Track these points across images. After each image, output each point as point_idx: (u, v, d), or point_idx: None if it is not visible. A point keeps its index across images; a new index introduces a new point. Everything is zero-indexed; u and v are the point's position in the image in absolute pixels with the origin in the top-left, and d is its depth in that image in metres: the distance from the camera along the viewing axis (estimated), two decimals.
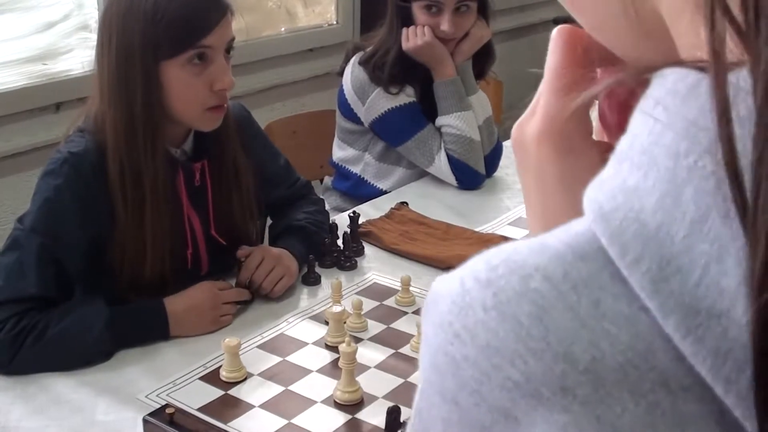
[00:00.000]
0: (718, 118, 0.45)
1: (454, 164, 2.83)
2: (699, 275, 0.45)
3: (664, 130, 0.47)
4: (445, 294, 0.51)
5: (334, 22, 4.50)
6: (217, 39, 1.92)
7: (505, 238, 2.37)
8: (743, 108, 0.45)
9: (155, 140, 1.91)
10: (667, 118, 0.48)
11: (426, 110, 2.88)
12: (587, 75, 0.62)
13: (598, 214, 0.48)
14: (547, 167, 0.57)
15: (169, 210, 1.97)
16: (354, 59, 2.90)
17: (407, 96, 2.85)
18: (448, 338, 0.50)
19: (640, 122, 0.49)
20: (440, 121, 2.86)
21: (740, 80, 0.45)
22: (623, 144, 0.50)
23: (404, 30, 2.80)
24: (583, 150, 0.61)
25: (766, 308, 0.43)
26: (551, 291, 0.48)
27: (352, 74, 2.89)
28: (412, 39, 2.78)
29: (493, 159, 2.99)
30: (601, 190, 0.49)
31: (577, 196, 0.54)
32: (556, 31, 0.64)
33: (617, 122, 0.60)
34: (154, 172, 1.91)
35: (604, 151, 0.58)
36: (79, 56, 3.35)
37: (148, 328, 1.89)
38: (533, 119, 0.63)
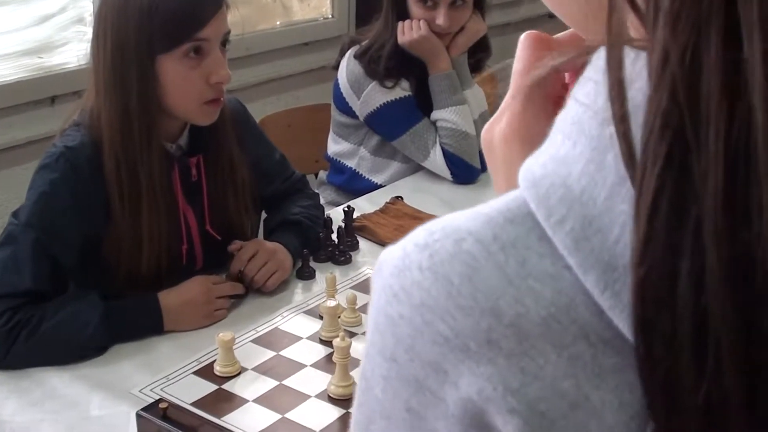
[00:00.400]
0: (612, 93, 0.48)
1: (449, 158, 2.83)
2: (617, 233, 0.48)
3: (593, 102, 0.50)
4: (389, 260, 0.55)
5: (330, 16, 4.49)
6: (213, 32, 1.91)
7: None
8: (639, 84, 0.48)
9: (150, 134, 1.91)
10: (595, 92, 0.51)
11: (422, 104, 2.88)
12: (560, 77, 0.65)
13: (530, 182, 0.51)
14: (516, 163, 0.59)
15: (165, 205, 1.96)
16: (349, 53, 2.89)
17: (402, 90, 2.85)
18: (388, 299, 0.53)
19: (573, 98, 0.53)
20: (435, 115, 2.86)
21: (640, 59, 0.48)
22: (559, 117, 0.53)
23: (400, 24, 2.80)
24: None
25: (644, 281, 0.45)
26: (481, 252, 0.50)
27: (347, 68, 2.89)
28: (408, 33, 2.78)
29: None
30: (537, 161, 0.53)
31: None
32: (523, 36, 0.67)
33: None
34: (150, 165, 1.91)
35: None
36: (74, 49, 3.34)
37: (142, 323, 1.89)
38: (501, 120, 0.65)
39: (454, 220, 0.53)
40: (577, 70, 0.55)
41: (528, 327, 0.48)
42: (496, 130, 0.65)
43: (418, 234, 0.54)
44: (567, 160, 0.51)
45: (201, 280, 1.98)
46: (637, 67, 0.48)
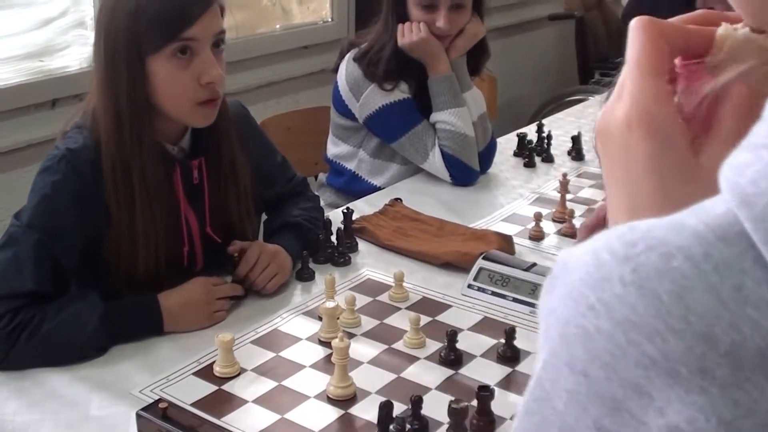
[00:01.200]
0: None
1: (449, 160, 2.84)
2: None
3: None
4: (578, 266, 0.51)
5: (329, 20, 4.50)
6: (201, 31, 1.91)
7: (500, 234, 2.38)
8: None
9: (142, 135, 1.92)
10: None
11: (421, 106, 2.89)
12: (671, 62, 0.62)
13: (741, 199, 0.48)
14: (638, 151, 0.57)
15: (163, 205, 1.97)
16: (348, 56, 2.90)
17: (401, 92, 2.85)
18: (580, 310, 0.50)
19: None
20: (434, 117, 2.86)
21: None
22: (761, 130, 0.50)
23: (399, 26, 2.81)
24: (673, 134, 0.60)
25: None
26: (692, 270, 0.47)
27: (346, 71, 2.89)
28: (408, 35, 2.79)
29: (487, 155, 3.00)
30: (743, 175, 0.49)
31: (666, 180, 0.55)
32: (636, 21, 0.63)
33: (705, 114, 0.60)
34: (142, 165, 1.91)
35: (692, 137, 0.59)
36: (75, 53, 3.35)
37: (142, 324, 1.90)
38: (620, 104, 0.62)
39: (656, 230, 0.50)
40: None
41: (744, 357, 0.46)
42: (616, 114, 0.62)
43: (613, 242, 0.51)
44: None
45: (201, 281, 1.98)
46: None
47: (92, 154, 1.91)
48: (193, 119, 2.00)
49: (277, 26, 4.29)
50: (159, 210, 1.96)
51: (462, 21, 2.85)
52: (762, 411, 0.45)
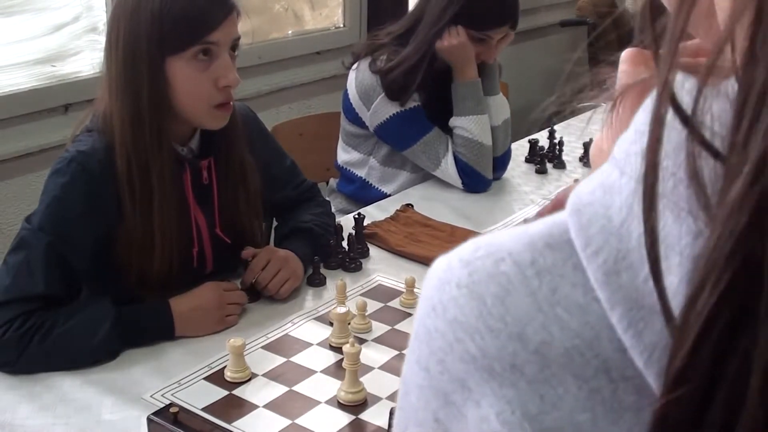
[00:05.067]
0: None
1: (462, 167, 2.84)
2: (647, 272, 0.47)
3: (645, 131, 0.49)
4: (435, 271, 0.55)
5: (341, 25, 4.50)
6: (223, 35, 1.93)
7: None
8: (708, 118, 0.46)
9: (162, 135, 1.93)
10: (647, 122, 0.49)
11: (431, 115, 2.88)
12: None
13: (575, 208, 0.51)
14: None
15: (176, 206, 1.98)
16: (363, 64, 2.88)
17: (412, 100, 2.85)
18: (427, 311, 0.54)
19: (633, 123, 0.51)
20: (454, 121, 2.86)
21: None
22: (617, 142, 0.52)
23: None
24: None
25: (674, 404, 0.44)
26: (517, 275, 0.51)
27: (356, 79, 2.88)
28: (447, 39, 2.79)
29: (502, 162, 3.00)
30: (587, 185, 0.52)
31: None
32: (623, 53, 0.65)
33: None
34: (161, 165, 1.92)
35: None
36: (87, 58, 3.36)
37: (153, 328, 1.90)
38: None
39: (500, 237, 0.53)
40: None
41: (551, 356, 0.49)
42: (594, 142, 0.64)
43: (466, 248, 0.54)
44: (613, 189, 0.50)
45: (212, 286, 1.99)
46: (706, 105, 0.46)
47: (102, 155, 1.92)
48: (208, 121, 2.01)
49: (290, 32, 4.29)
50: (172, 210, 1.96)
51: (501, 47, 2.88)
52: (566, 407, 0.48)
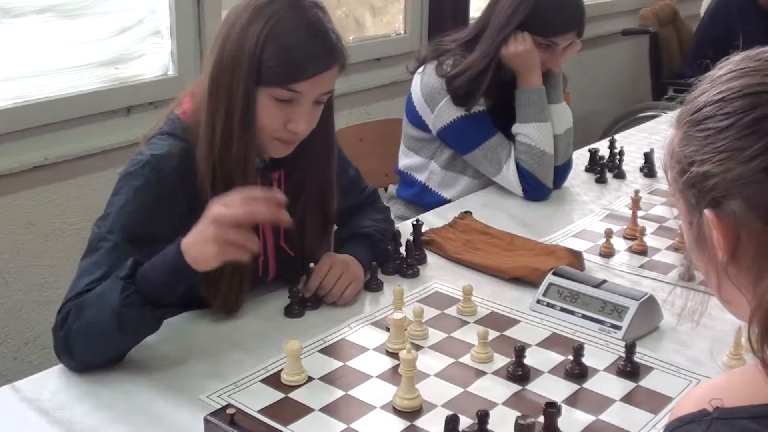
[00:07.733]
0: None
1: (523, 175, 2.83)
2: None
3: None
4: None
5: (402, 32, 4.51)
6: (311, 88, 1.91)
7: (570, 250, 2.36)
8: None
9: (248, 158, 1.93)
10: None
11: (495, 120, 2.88)
12: None
13: None
14: None
15: None
16: (428, 68, 2.89)
17: (477, 105, 2.84)
18: None
19: None
20: (517, 128, 2.85)
21: None
22: None
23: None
24: None
25: None
26: None
27: (421, 81, 2.89)
28: (513, 45, 2.78)
29: (563, 171, 2.98)
30: None
31: None
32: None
33: None
34: (245, 182, 1.89)
35: None
36: (150, 61, 3.39)
37: (167, 264, 1.77)
38: None
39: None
40: None
41: None
42: None
43: None
44: None
45: (213, 204, 1.78)
46: None
47: (177, 162, 1.92)
48: (267, 149, 2.00)
49: (351, 38, 4.30)
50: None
51: (568, 55, 2.89)
52: None
